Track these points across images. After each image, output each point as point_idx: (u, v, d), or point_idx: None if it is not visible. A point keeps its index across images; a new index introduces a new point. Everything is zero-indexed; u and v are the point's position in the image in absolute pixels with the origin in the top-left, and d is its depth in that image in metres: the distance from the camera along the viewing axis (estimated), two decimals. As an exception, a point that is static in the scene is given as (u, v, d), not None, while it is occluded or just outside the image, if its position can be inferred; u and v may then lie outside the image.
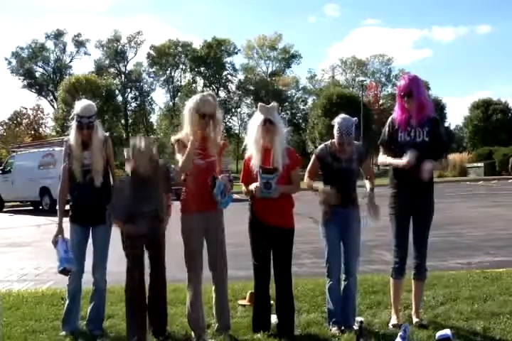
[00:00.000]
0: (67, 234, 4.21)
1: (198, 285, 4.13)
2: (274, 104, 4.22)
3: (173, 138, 4.13)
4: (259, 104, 4.23)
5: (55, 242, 4.15)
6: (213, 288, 4.23)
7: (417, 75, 4.34)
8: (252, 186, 4.10)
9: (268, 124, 4.06)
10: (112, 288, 5.64)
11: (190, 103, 4.06)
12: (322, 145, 4.41)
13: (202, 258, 4.14)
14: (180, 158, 4.01)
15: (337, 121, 4.22)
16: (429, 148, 4.24)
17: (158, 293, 4.22)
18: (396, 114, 4.35)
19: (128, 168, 4.08)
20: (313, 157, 4.41)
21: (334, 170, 4.27)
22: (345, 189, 4.27)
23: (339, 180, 4.25)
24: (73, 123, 4.20)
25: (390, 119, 4.41)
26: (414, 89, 4.22)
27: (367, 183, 4.41)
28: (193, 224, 4.08)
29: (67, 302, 4.31)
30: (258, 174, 4.03)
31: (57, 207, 4.28)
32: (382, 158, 4.41)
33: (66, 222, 4.24)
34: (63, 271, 4.09)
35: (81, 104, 4.19)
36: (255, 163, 4.10)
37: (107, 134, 4.36)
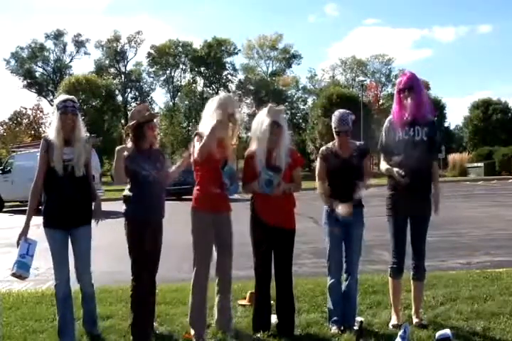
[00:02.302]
0: (31, 235, 3.99)
1: (205, 285, 4.13)
2: (282, 107, 4.28)
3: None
4: (269, 105, 4.22)
5: (17, 243, 3.93)
6: (217, 288, 4.24)
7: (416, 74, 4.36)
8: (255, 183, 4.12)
9: (276, 127, 4.09)
10: (110, 288, 5.66)
11: (216, 102, 4.14)
12: (324, 147, 4.47)
13: (211, 258, 4.15)
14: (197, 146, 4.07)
15: (334, 114, 4.36)
16: (428, 147, 4.26)
17: (154, 288, 4.22)
18: (393, 111, 4.35)
19: (129, 144, 4.08)
20: (318, 160, 4.46)
21: (337, 166, 4.30)
22: (348, 187, 4.28)
23: (342, 178, 4.26)
24: (55, 116, 3.96)
25: (386, 122, 4.40)
26: (415, 84, 4.25)
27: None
28: (205, 223, 4.10)
29: (58, 316, 4.04)
30: (262, 170, 4.05)
31: (28, 204, 3.99)
32: (384, 166, 4.36)
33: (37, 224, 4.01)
34: (14, 275, 3.90)
35: (62, 96, 4.07)
36: (258, 163, 4.12)
37: (89, 135, 4.16)
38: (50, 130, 4.00)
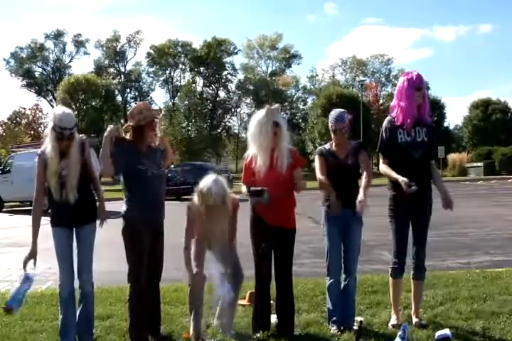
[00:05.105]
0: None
1: (202, 284, 4.11)
2: (277, 105, 4.26)
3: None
4: (267, 106, 4.20)
5: (24, 265, 3.82)
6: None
7: None
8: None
9: (275, 127, 4.09)
10: (110, 288, 5.66)
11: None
12: (321, 147, 4.48)
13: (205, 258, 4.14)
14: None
15: (330, 113, 4.37)
16: (428, 148, 4.26)
17: (155, 291, 4.21)
18: (402, 109, 4.22)
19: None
20: (316, 156, 4.41)
21: (333, 167, 4.28)
22: (347, 187, 4.28)
23: (340, 178, 4.26)
24: (50, 133, 3.83)
25: (385, 122, 4.34)
26: (424, 84, 4.23)
27: (363, 182, 4.40)
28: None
29: (61, 315, 4.03)
30: (248, 195, 4.07)
31: (32, 223, 3.92)
32: (384, 168, 4.30)
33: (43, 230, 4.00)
34: (5, 309, 3.82)
35: (60, 114, 3.83)
36: (261, 163, 4.11)
37: (83, 136, 4.09)
38: (47, 148, 3.88)
